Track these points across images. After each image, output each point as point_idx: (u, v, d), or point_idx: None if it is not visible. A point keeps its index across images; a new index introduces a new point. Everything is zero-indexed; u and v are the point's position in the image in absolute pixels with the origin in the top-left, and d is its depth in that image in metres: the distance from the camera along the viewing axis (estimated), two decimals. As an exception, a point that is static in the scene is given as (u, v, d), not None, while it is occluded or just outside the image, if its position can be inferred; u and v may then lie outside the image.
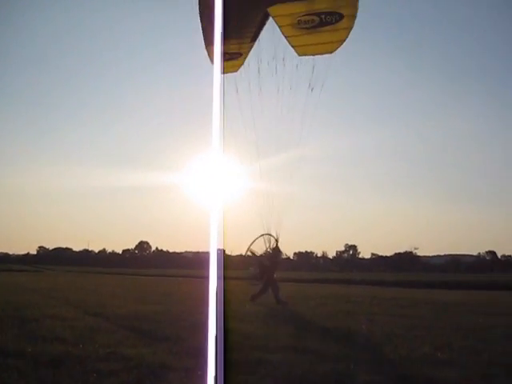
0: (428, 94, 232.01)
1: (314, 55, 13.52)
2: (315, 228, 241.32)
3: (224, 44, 12.29)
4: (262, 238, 20.25)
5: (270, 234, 20.07)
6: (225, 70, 14.29)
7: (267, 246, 20.49)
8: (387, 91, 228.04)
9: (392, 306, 23.98)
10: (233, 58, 14.54)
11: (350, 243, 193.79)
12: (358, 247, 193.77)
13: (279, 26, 12.92)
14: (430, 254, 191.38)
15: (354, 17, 12.76)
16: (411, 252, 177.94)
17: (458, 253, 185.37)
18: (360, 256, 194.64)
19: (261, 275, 20.90)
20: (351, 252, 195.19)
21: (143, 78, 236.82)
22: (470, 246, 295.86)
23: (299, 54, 13.51)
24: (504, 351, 11.51)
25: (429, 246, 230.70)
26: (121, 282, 53.79)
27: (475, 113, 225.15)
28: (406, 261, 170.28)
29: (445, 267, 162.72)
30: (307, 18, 12.28)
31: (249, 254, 21.11)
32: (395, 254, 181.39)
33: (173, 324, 15.36)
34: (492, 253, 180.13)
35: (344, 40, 12.81)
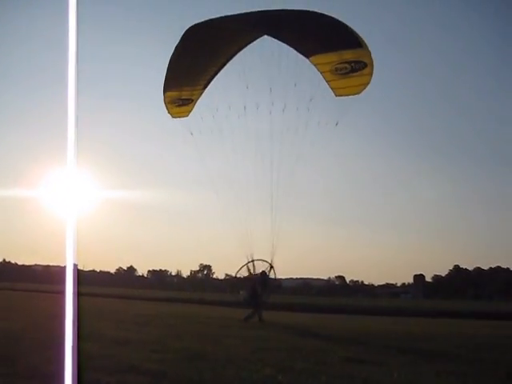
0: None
1: (347, 96, 15.73)
2: (170, 247, 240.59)
3: (177, 90, 14.55)
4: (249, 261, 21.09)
5: (263, 260, 20.87)
6: (177, 115, 17.18)
7: (253, 270, 21.23)
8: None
9: (240, 328, 24.07)
10: (185, 104, 16.86)
11: (204, 263, 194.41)
12: (212, 267, 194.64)
13: (321, 72, 15.33)
14: (283, 277, 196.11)
15: (372, 65, 15.09)
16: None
17: (309, 276, 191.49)
18: (214, 276, 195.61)
19: (252, 299, 21.50)
20: (205, 272, 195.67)
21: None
22: (321, 270, 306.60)
23: (337, 95, 15.77)
24: (340, 375, 11.76)
25: (282, 269, 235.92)
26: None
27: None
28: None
29: (297, 290, 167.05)
30: (341, 65, 14.84)
31: (241, 275, 21.16)
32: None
33: (15, 342, 14.41)
34: (341, 277, 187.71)
35: (368, 83, 15.52)
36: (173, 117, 17.68)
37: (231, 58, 17.61)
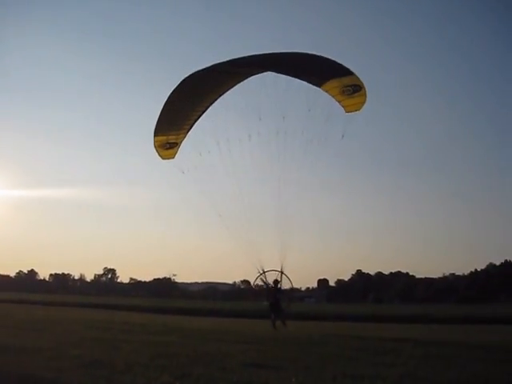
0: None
1: (354, 112, 18.76)
2: (74, 250, 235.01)
3: (165, 135, 17.88)
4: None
5: (275, 270, 22.70)
6: (165, 157, 19.59)
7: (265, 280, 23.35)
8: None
9: (141, 333, 23.75)
10: (171, 147, 19.23)
11: (109, 267, 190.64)
12: (116, 271, 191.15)
13: (332, 96, 18.24)
14: (189, 281, 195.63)
15: (364, 86, 18.44)
16: (170, 278, 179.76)
17: (214, 281, 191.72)
18: (119, 280, 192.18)
19: (272, 307, 23.38)
20: (110, 276, 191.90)
21: None
22: (227, 274, 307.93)
23: (346, 112, 18.74)
24: (239, 380, 11.77)
25: (187, 273, 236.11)
26: None
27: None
28: (164, 287, 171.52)
29: (202, 294, 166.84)
30: (346, 88, 18.00)
31: (258, 283, 22.04)
32: (154, 279, 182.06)
33: None
34: (247, 282, 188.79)
35: (365, 102, 18.51)
36: (162, 159, 19.79)
37: (214, 101, 19.83)
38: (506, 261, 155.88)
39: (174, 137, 19.08)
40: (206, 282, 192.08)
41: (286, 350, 18.31)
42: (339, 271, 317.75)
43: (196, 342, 20.60)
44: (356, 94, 18.07)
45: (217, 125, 19.86)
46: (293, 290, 25.56)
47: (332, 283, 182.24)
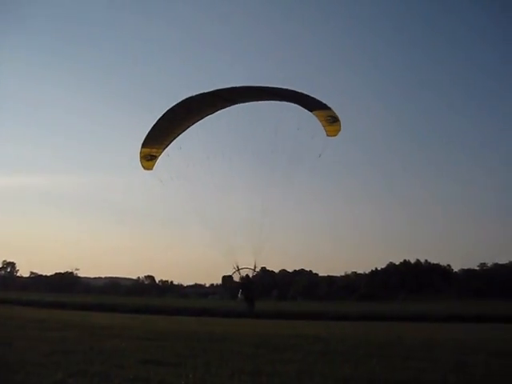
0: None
1: (333, 136, 21.89)
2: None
3: (149, 148, 20.32)
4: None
5: (248, 267, 24.17)
6: (146, 168, 21.41)
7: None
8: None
9: (38, 329, 23.01)
10: (151, 160, 21.21)
11: (8, 260, 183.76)
12: (16, 265, 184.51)
13: (319, 120, 21.55)
14: (91, 276, 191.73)
15: (339, 119, 21.80)
16: (72, 273, 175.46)
17: (117, 276, 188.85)
18: (18, 274, 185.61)
19: (247, 296, 24.84)
20: (9, 269, 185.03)
21: None
22: (130, 269, 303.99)
23: (327, 136, 21.78)
24: (135, 377, 11.62)
25: (90, 268, 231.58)
26: None
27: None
28: (66, 281, 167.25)
29: (104, 289, 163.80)
30: (328, 117, 21.54)
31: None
32: (56, 273, 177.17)
33: None
34: (150, 277, 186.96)
35: (340, 130, 21.87)
36: (144, 169, 21.61)
37: (197, 121, 21.93)
38: (404, 260, 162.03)
39: (155, 150, 21.24)
40: (109, 277, 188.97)
41: (186, 347, 18.23)
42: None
43: (94, 339, 20.16)
44: (335, 124, 21.66)
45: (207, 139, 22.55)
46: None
47: (236, 280, 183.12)
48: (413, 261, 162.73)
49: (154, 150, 21.39)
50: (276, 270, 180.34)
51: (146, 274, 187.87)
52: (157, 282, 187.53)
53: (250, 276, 25.69)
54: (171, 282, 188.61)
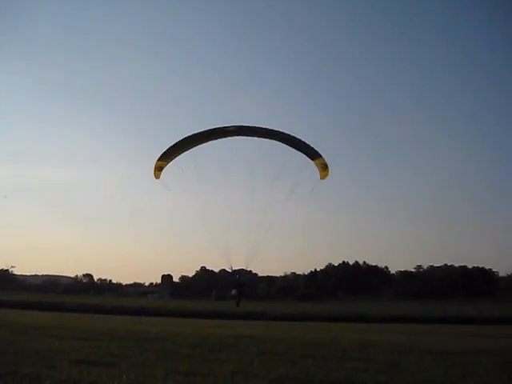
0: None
1: (323, 179, 24.50)
2: None
3: (163, 161, 23.69)
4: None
5: (242, 269, 25.31)
6: (156, 177, 24.20)
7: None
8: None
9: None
10: (160, 171, 24.04)
11: None
12: None
13: (317, 167, 24.06)
14: (28, 273, 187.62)
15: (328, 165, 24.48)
16: (7, 270, 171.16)
17: (56, 274, 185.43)
18: None
19: (239, 293, 25.87)
20: None
21: None
22: (68, 267, 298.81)
23: (320, 179, 24.37)
24: (67, 378, 11.45)
25: (26, 265, 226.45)
26: None
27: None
28: (1, 279, 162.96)
29: (42, 287, 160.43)
30: (322, 164, 24.07)
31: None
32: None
33: None
34: (89, 276, 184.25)
35: (329, 175, 24.37)
36: (155, 178, 24.52)
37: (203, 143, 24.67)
38: (343, 262, 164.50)
39: (164, 163, 24.34)
40: (47, 275, 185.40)
41: (121, 347, 18.04)
42: (184, 267, 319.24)
43: (26, 338, 19.72)
44: (326, 170, 24.60)
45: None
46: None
47: (176, 279, 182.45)
48: (351, 262, 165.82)
49: (163, 164, 24.59)
50: (216, 270, 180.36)
51: (85, 273, 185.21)
52: (95, 280, 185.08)
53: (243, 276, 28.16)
54: (110, 280, 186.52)
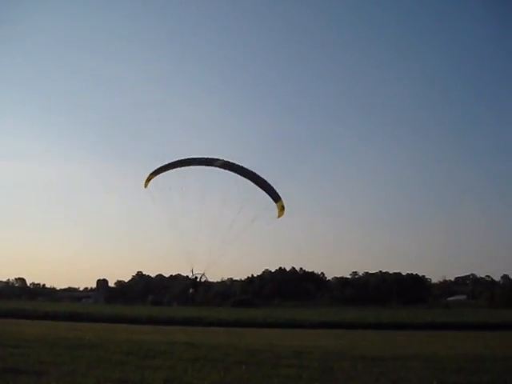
0: None
1: (279, 218, 27.24)
2: None
3: (153, 175, 26.71)
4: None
5: (200, 274, 26.47)
6: (146, 187, 26.75)
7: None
8: None
9: None
10: (148, 181, 26.72)
11: None
12: None
13: (277, 207, 26.81)
14: None
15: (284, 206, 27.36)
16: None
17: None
18: None
19: (195, 292, 30.10)
20: None
21: None
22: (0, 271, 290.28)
23: (277, 217, 27.15)
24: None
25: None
26: None
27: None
28: None
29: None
30: (282, 206, 26.67)
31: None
32: None
33: None
34: (21, 280, 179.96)
35: (284, 214, 27.28)
36: (144, 187, 26.93)
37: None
38: (280, 268, 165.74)
39: (153, 177, 26.96)
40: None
41: (51, 354, 17.59)
42: (120, 272, 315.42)
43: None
44: (283, 210, 27.14)
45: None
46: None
47: (112, 284, 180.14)
48: (288, 268, 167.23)
49: (152, 177, 27.04)
50: (152, 275, 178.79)
51: (17, 277, 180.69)
52: (28, 284, 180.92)
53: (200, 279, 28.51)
54: (43, 285, 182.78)
